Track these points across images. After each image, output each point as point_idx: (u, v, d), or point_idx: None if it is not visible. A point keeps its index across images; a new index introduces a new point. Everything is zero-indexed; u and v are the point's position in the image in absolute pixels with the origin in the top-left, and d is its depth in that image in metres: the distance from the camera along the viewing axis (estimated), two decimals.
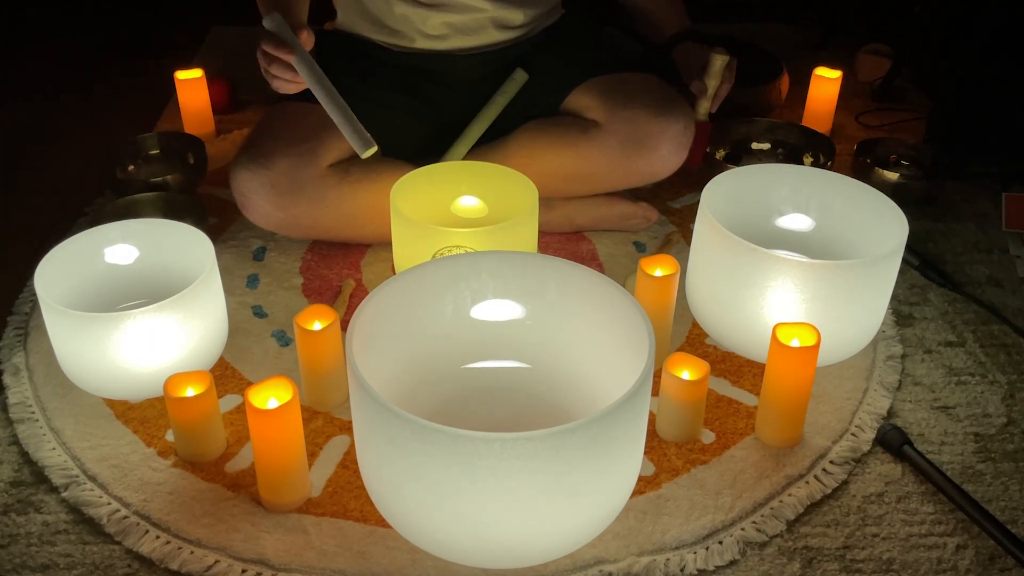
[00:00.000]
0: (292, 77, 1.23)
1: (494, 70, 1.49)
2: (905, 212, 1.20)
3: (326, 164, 1.37)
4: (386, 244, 1.44)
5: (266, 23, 1.24)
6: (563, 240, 1.52)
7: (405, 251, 1.29)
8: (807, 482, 1.09)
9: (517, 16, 1.48)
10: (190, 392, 1.06)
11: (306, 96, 1.43)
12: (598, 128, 1.42)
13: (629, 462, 0.92)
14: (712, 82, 1.48)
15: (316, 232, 1.42)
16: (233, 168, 1.36)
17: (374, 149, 1.21)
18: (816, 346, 1.06)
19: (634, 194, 1.53)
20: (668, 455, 1.12)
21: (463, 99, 1.49)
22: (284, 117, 1.40)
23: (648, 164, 1.43)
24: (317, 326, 1.13)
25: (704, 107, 1.51)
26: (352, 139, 1.21)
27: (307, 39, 1.24)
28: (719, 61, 1.45)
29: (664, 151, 1.42)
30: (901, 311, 1.38)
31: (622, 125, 1.41)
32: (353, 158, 1.40)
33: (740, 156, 1.74)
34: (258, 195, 1.35)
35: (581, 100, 1.46)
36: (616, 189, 1.49)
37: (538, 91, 1.48)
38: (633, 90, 1.44)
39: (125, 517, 1.04)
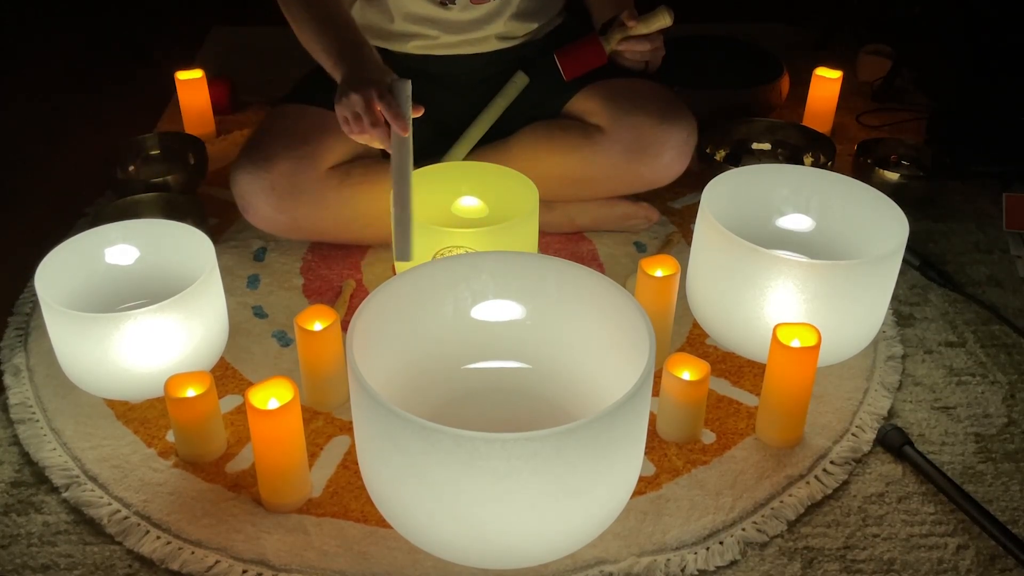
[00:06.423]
0: (380, 143, 1.20)
1: (495, 72, 1.49)
2: (905, 212, 1.20)
3: (326, 167, 1.37)
4: (386, 245, 1.44)
5: (397, 82, 1.19)
6: (563, 240, 1.52)
7: None
8: (808, 482, 1.09)
9: (521, 30, 1.49)
10: (191, 392, 1.06)
11: (307, 98, 1.43)
12: (602, 133, 1.42)
13: (630, 462, 0.92)
14: (642, 27, 1.39)
15: (317, 234, 1.42)
16: (233, 171, 1.36)
17: (409, 262, 1.18)
18: (816, 346, 1.06)
19: (635, 194, 1.52)
20: (669, 455, 1.12)
21: (463, 100, 1.48)
22: (284, 119, 1.40)
23: (651, 171, 1.43)
24: (318, 326, 1.13)
25: (616, 38, 1.40)
26: (396, 241, 1.17)
27: (417, 114, 1.21)
28: (662, 19, 1.37)
29: (667, 159, 1.42)
30: (901, 311, 1.38)
31: (626, 131, 1.40)
32: (354, 160, 1.40)
33: (740, 156, 1.74)
34: (258, 198, 1.35)
35: (585, 104, 1.46)
36: (617, 194, 1.49)
37: (541, 93, 1.48)
38: (637, 96, 1.43)
39: (126, 518, 1.04)
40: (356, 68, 1.24)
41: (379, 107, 1.18)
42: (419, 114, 1.21)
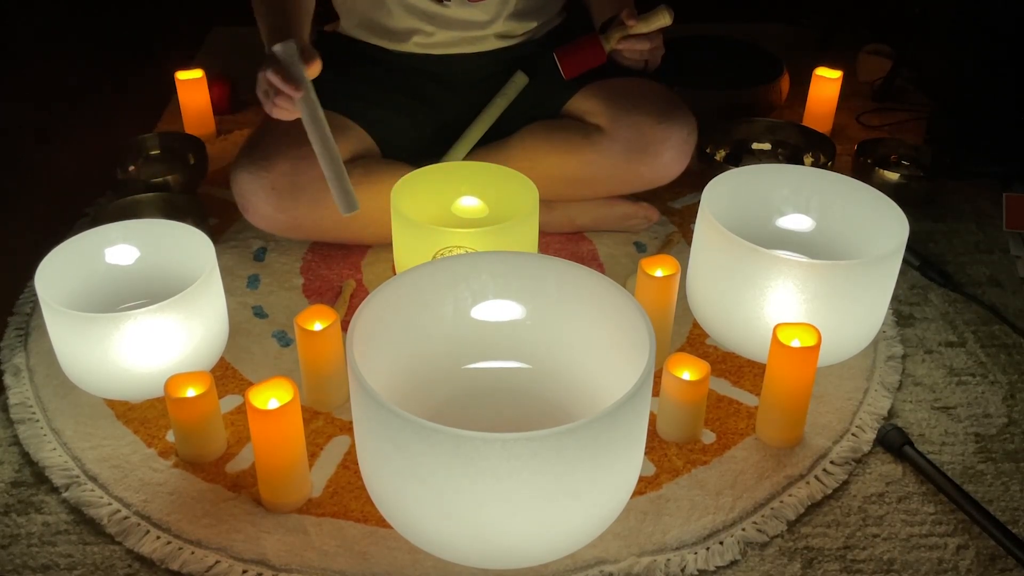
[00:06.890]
0: (291, 111, 1.22)
1: (494, 71, 1.49)
2: (905, 212, 1.20)
3: None
4: (387, 244, 1.44)
5: (277, 50, 1.20)
6: (563, 240, 1.52)
7: (405, 251, 1.29)
8: (808, 482, 1.09)
9: (520, 29, 1.49)
10: (191, 392, 1.06)
11: None
12: (601, 133, 1.41)
13: (630, 462, 0.92)
14: (642, 26, 1.38)
15: (317, 234, 1.42)
16: (233, 171, 1.36)
17: (356, 211, 1.20)
18: (816, 346, 1.06)
19: (635, 194, 1.52)
20: (669, 455, 1.12)
21: (463, 100, 1.49)
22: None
23: (651, 170, 1.43)
24: (318, 326, 1.13)
25: (616, 37, 1.39)
26: (337, 195, 1.19)
27: (315, 69, 1.22)
28: (662, 18, 1.38)
29: (667, 158, 1.42)
30: (902, 311, 1.38)
31: (625, 131, 1.40)
32: (353, 159, 1.40)
33: (740, 156, 1.74)
34: (258, 197, 1.35)
35: (584, 104, 1.46)
36: (617, 194, 1.49)
37: (541, 92, 1.48)
38: (636, 96, 1.43)
39: (126, 518, 1.04)
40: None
41: (270, 77, 1.19)
42: (314, 66, 1.21)
